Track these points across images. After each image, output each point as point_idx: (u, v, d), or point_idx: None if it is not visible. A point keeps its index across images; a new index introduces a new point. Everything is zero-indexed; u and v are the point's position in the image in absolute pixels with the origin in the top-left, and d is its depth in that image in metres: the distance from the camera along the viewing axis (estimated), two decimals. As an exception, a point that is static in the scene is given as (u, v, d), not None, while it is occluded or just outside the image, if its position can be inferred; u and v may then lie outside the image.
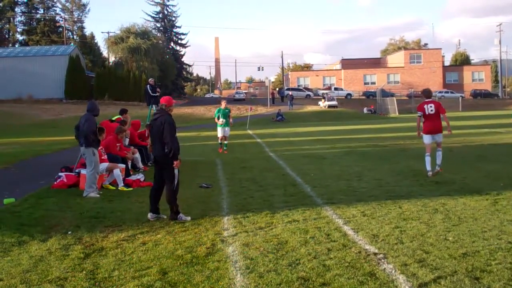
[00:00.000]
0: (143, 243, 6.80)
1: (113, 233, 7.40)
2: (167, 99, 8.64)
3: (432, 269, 5.43)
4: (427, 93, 12.41)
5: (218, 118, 19.13)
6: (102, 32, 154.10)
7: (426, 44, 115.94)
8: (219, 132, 19.36)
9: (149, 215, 8.30)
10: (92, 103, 11.20)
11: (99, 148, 11.42)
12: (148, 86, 22.53)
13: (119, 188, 11.27)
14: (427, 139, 12.09)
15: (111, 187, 11.42)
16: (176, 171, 8.26)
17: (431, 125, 11.99)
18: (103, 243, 6.86)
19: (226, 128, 19.27)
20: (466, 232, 6.88)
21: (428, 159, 11.93)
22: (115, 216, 8.52)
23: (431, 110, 11.91)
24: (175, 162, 8.16)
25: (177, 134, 8.52)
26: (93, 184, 10.61)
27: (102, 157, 11.57)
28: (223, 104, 19.42)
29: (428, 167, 11.86)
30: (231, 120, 19.58)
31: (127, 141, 14.15)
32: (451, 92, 78.81)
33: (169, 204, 8.24)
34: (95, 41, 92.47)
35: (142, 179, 12.19)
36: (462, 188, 10.15)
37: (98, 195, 10.43)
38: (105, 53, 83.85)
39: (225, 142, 19.40)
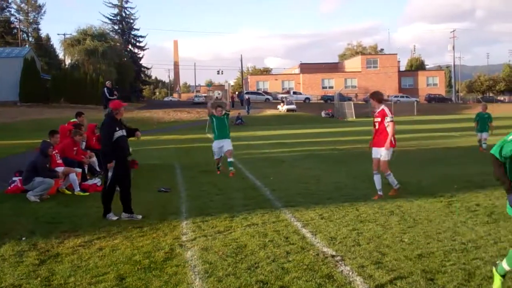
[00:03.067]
0: (100, 249, 6.69)
1: (69, 238, 7.26)
2: (115, 103, 8.79)
3: (389, 270, 5.52)
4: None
5: (213, 131, 13.98)
6: (58, 34, 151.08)
7: (382, 50, 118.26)
8: (216, 148, 13.79)
9: (122, 215, 8.51)
10: (46, 143, 11.12)
11: (54, 152, 11.23)
12: (105, 89, 22.30)
13: (75, 193, 11.07)
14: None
15: (67, 191, 11.18)
16: (109, 173, 8.45)
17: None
18: (59, 249, 6.72)
19: (226, 141, 13.72)
20: (421, 233, 7.02)
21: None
22: (71, 221, 8.36)
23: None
24: (108, 164, 8.39)
25: (133, 138, 8.58)
26: (42, 192, 10.45)
27: (58, 161, 11.36)
28: (219, 111, 13.76)
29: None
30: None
31: (83, 144, 13.90)
32: (406, 97, 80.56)
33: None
34: (51, 43, 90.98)
35: (99, 184, 11.98)
36: (417, 191, 10.34)
37: (38, 200, 10.22)
38: (61, 55, 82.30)
39: (230, 159, 13.60)
